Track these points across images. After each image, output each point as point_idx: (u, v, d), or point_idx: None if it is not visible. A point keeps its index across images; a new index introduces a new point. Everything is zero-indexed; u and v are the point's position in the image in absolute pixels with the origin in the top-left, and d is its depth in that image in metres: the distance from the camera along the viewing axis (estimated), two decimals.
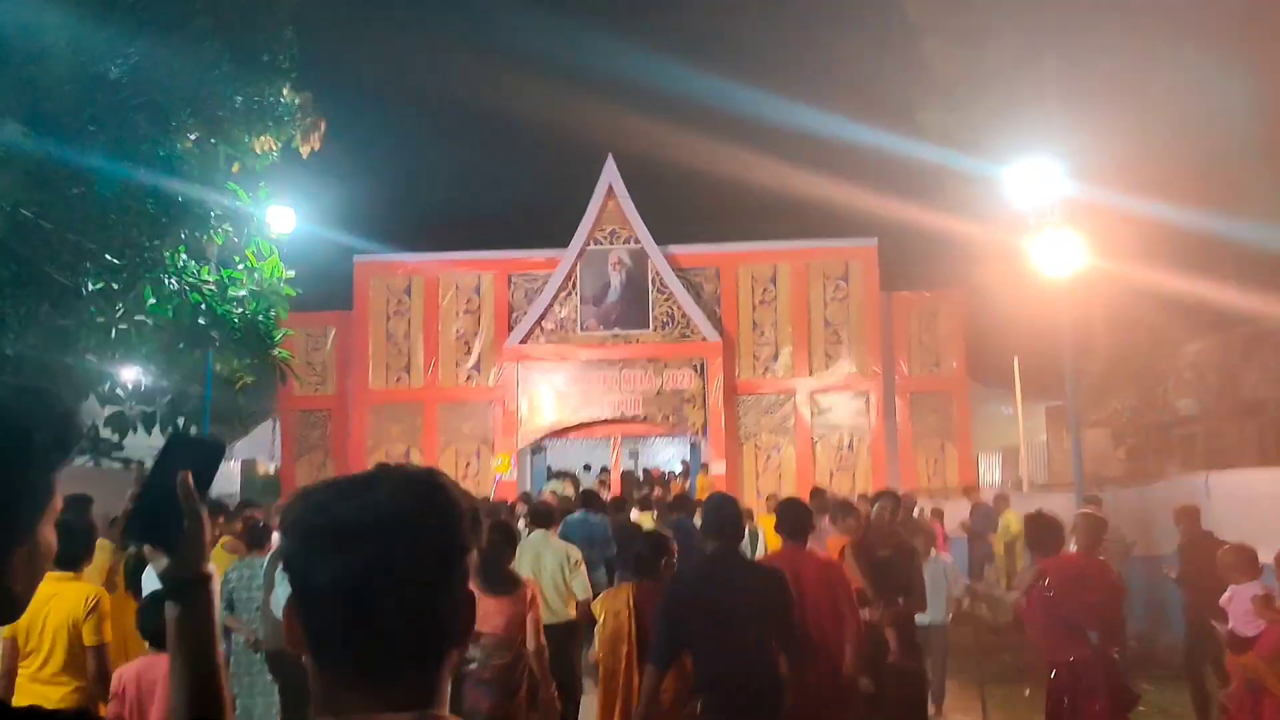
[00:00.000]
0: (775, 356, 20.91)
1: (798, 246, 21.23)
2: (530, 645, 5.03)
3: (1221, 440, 12.76)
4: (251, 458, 22.84)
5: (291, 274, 10.30)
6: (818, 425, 20.66)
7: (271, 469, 22.74)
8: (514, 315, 21.17)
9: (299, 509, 1.15)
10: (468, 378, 21.23)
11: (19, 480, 1.13)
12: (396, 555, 1.09)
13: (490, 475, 20.45)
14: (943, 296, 21.21)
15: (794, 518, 5.34)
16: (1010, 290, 19.37)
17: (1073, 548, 5.62)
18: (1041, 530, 5.20)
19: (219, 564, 6.93)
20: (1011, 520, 12.96)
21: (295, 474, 21.27)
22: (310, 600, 1.11)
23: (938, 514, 14.00)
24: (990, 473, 21.73)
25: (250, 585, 6.40)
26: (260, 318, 9.83)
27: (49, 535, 1.18)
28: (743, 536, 5.19)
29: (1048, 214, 10.00)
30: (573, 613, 6.96)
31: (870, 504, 7.14)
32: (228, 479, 22.03)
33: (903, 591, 6.12)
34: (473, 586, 1.19)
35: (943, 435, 20.88)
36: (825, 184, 20.15)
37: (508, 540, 5.40)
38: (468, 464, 20.50)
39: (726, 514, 4.74)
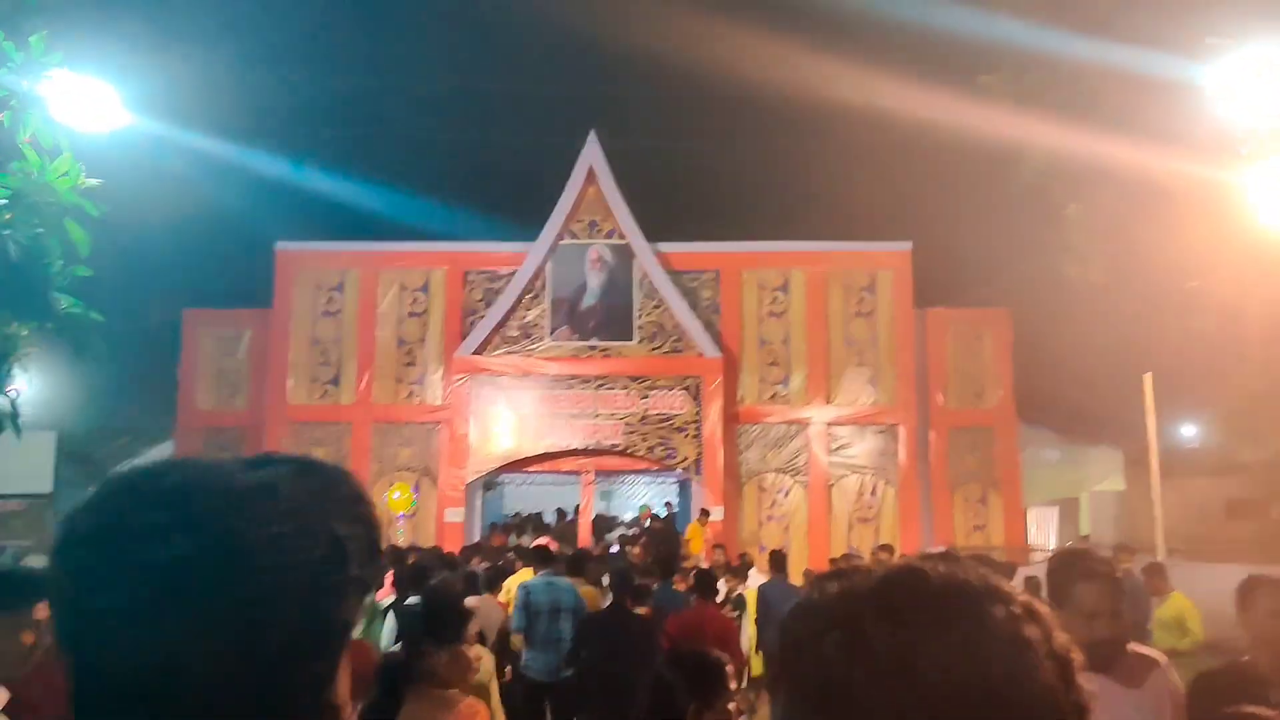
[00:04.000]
0: (785, 379, 17.31)
1: (815, 249, 17.77)
2: None
3: None
4: None
5: (94, 183, 6.53)
6: (835, 464, 17.02)
7: None
8: (469, 320, 17.46)
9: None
10: (409, 394, 17.43)
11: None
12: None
13: (430, 516, 16.60)
14: (987, 315, 17.80)
15: (704, 584, 7.28)
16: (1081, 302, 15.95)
17: None
18: None
19: None
20: (1184, 608, 8.08)
21: None
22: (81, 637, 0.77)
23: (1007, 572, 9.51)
24: (1043, 530, 18.06)
25: None
26: (22, 242, 6.03)
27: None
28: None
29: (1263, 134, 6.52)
30: None
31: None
32: None
33: None
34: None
35: (985, 481, 17.30)
36: (851, 175, 16.68)
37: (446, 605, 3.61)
38: None
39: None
